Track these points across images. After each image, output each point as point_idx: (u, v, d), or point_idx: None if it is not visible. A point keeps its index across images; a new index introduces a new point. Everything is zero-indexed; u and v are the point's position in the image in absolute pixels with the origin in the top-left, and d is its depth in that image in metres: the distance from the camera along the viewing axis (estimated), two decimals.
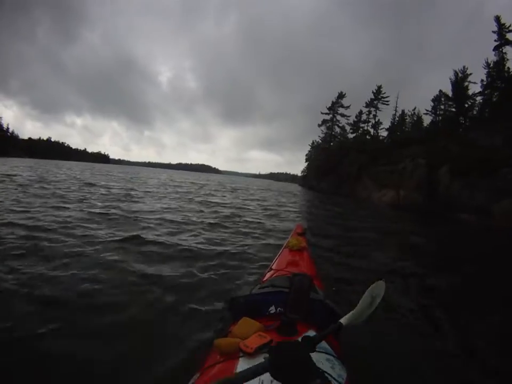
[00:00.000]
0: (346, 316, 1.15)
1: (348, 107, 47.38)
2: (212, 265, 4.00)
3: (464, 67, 34.37)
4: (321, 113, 48.67)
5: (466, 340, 2.86)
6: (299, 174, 71.63)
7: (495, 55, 30.27)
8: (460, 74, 34.49)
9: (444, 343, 2.72)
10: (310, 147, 58.60)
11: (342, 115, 47.59)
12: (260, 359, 1.04)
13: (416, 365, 2.29)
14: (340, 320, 1.13)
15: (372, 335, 2.40)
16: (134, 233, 5.20)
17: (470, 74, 33.89)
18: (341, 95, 47.69)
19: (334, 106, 47.86)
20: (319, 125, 49.25)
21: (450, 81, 35.18)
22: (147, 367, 1.90)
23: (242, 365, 1.04)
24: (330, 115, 48.22)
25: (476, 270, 5.36)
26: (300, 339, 0.92)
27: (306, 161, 59.75)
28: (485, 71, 31.12)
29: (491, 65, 30.61)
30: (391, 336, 2.67)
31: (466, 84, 33.97)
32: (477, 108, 33.04)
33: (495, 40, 30.14)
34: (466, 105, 33.72)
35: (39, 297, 2.72)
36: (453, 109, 35.61)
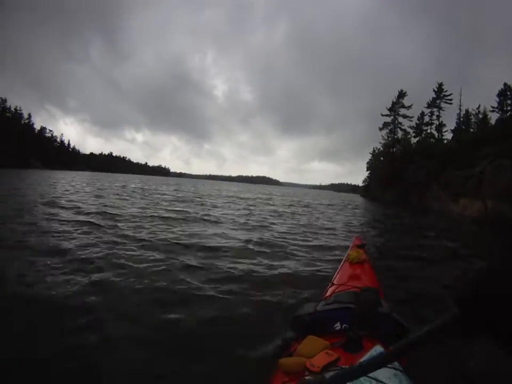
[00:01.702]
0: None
1: (409, 107, 43.24)
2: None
3: None
4: (382, 115, 44.79)
5: None
6: (360, 184, 68.24)
7: None
8: None
9: None
10: (371, 155, 55.35)
11: (404, 116, 43.49)
12: None
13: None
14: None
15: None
16: None
17: None
18: (401, 94, 43.65)
19: (395, 107, 43.86)
20: (380, 129, 45.42)
21: None
22: None
23: None
24: (392, 117, 44.24)
25: None
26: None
27: (367, 170, 56.63)
28: None
29: None
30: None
31: None
32: None
33: None
34: None
35: None
36: None
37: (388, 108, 44.44)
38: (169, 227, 7.30)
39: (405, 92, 43.69)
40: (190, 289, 3.44)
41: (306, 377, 1.05)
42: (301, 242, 6.75)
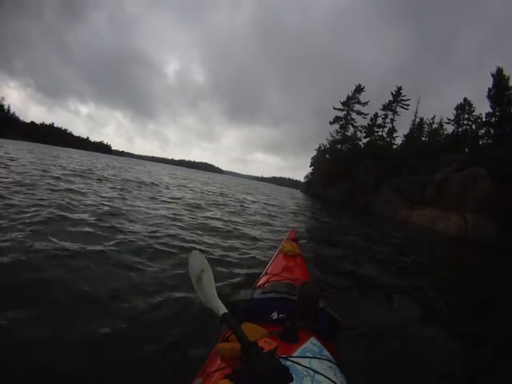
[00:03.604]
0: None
1: (365, 103, 40.41)
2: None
3: (500, 68, 28.52)
4: (334, 108, 41.59)
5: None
6: (302, 180, 68.12)
7: None
8: (505, 73, 28.22)
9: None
10: (316, 151, 54.17)
11: (358, 112, 40.62)
12: None
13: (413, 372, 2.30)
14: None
15: (368, 340, 2.53)
16: None
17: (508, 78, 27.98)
18: (358, 89, 40.65)
19: (349, 102, 40.88)
20: (331, 123, 42.11)
21: (493, 79, 28.76)
22: (146, 369, 1.86)
23: None
24: (344, 112, 41.28)
25: None
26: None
27: (311, 166, 55.86)
28: None
29: None
30: (386, 342, 2.67)
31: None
32: None
33: None
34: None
35: None
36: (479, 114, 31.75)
37: (342, 101, 41.37)
38: None
39: (363, 87, 40.74)
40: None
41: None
42: None
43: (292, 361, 1.04)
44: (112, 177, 13.24)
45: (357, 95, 40.68)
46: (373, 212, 23.96)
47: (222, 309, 1.23)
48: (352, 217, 17.15)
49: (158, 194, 10.23)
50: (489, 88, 28.89)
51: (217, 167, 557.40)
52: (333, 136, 42.85)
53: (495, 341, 3.23)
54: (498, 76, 28.27)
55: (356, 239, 8.35)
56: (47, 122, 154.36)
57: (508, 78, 27.87)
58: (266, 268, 2.65)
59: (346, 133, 41.30)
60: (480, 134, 30.92)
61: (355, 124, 41.26)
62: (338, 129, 41.82)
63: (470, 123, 33.02)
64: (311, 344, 1.25)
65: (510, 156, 15.24)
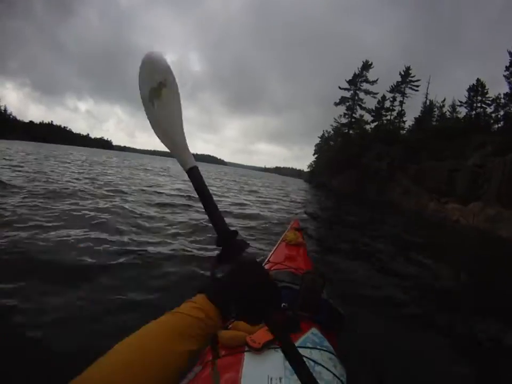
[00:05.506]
0: None
1: (374, 81, 36.22)
2: None
3: None
4: (340, 88, 37.42)
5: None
6: (305, 169, 66.16)
7: None
8: None
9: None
10: (319, 139, 51.22)
11: (367, 92, 36.49)
12: (268, 355, 1.04)
13: (415, 366, 2.19)
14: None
15: (369, 336, 2.36)
16: None
17: None
18: (366, 65, 36.39)
19: (357, 80, 36.65)
20: (336, 104, 37.84)
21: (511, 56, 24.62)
22: None
23: (248, 360, 1.01)
24: (351, 91, 37.04)
25: None
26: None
27: (314, 154, 52.41)
28: None
29: None
30: (388, 338, 2.54)
31: None
32: None
33: None
34: None
35: None
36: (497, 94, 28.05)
37: (348, 80, 37.20)
38: None
39: (371, 63, 36.52)
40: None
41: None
42: None
43: None
44: None
45: (364, 72, 36.47)
46: (391, 203, 20.62)
47: (190, 162, 0.71)
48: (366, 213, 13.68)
49: None
50: (506, 66, 25.03)
51: (220, 159, 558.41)
52: (338, 122, 39.07)
53: None
54: None
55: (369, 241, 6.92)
56: (47, 121, 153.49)
57: None
58: (269, 256, 2.61)
59: (354, 114, 37.29)
60: (499, 116, 27.59)
61: (363, 105, 37.12)
62: (345, 111, 37.76)
63: (483, 105, 29.86)
64: (312, 335, 1.22)
65: None
